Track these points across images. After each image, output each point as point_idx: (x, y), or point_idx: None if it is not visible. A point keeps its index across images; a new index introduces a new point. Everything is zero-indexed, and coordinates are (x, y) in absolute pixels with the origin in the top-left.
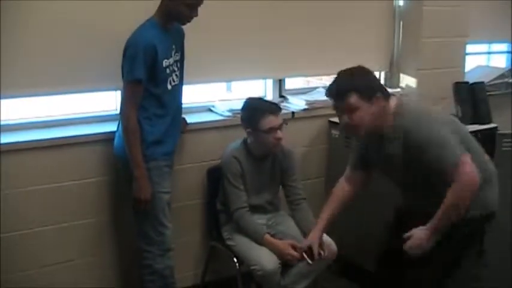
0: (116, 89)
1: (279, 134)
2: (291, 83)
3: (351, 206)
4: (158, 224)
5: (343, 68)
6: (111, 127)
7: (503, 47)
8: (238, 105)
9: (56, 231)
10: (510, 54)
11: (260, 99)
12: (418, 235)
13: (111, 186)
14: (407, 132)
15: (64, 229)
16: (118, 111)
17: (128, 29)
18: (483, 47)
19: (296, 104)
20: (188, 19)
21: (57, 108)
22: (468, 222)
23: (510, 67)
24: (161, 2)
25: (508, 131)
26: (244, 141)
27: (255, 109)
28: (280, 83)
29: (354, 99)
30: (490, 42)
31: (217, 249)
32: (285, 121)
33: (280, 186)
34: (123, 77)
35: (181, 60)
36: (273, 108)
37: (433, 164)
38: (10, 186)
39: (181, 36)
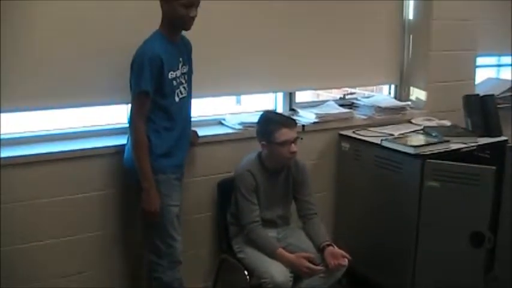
0: (127, 103)
1: (294, 147)
2: (301, 96)
3: (363, 219)
4: (167, 237)
5: (353, 81)
6: (121, 140)
7: None
8: (249, 118)
9: (66, 244)
10: None
11: (276, 113)
12: None
13: (121, 199)
14: None
15: (74, 241)
16: (127, 124)
17: (136, 42)
18: (493, 60)
19: (306, 117)
20: (189, 20)
21: (67, 121)
22: None
23: None
24: (162, 12)
25: None
26: (259, 155)
27: (270, 122)
28: (290, 96)
29: None
30: (499, 55)
31: (227, 261)
32: (300, 135)
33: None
34: (131, 89)
35: (189, 73)
36: (288, 121)
37: None
38: (18, 199)
39: (188, 49)
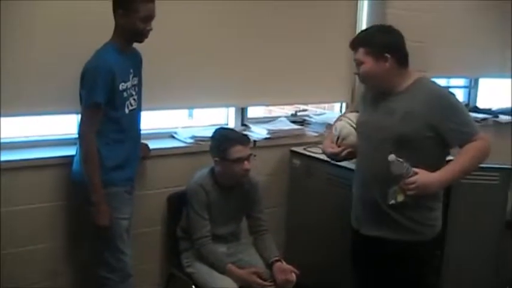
0: (77, 113)
1: (247, 165)
2: (253, 112)
3: (314, 235)
4: (117, 251)
5: (305, 98)
6: (72, 151)
7: (461, 82)
8: (201, 132)
9: (15, 256)
10: (467, 89)
11: (230, 129)
12: (428, 175)
13: (71, 211)
14: (436, 92)
15: (23, 253)
16: (76, 135)
17: (87, 52)
18: (443, 81)
19: (258, 132)
20: (145, 34)
21: (15, 130)
22: (424, 243)
23: (467, 101)
24: (116, 24)
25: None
26: (212, 170)
27: (224, 138)
28: (242, 111)
29: (362, 52)
30: (450, 77)
31: (176, 276)
32: (253, 153)
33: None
34: (81, 101)
35: (139, 85)
36: (242, 138)
37: (458, 125)
38: None
39: (139, 61)
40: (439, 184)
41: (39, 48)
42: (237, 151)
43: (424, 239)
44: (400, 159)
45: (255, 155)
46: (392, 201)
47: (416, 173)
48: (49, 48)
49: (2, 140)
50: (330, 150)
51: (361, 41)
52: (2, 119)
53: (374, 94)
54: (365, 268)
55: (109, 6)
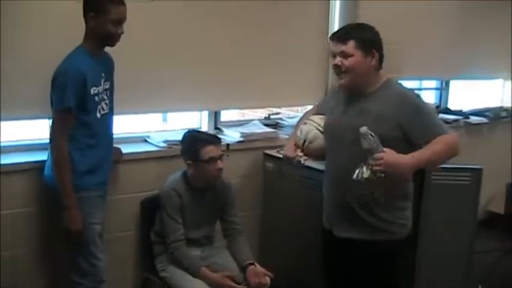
0: (49, 117)
1: (220, 164)
2: (226, 116)
3: (288, 237)
4: (90, 256)
5: (278, 101)
6: (44, 156)
7: (433, 83)
8: (174, 136)
9: None
10: (439, 91)
11: (199, 131)
12: (396, 155)
13: (41, 217)
14: (405, 94)
15: None
16: (48, 141)
17: (57, 58)
18: (415, 83)
19: (231, 136)
20: (116, 37)
21: None
22: (396, 242)
23: (438, 103)
24: (87, 27)
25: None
26: (184, 174)
27: (194, 140)
28: (215, 115)
29: (353, 45)
30: (421, 79)
31: (150, 281)
32: (226, 152)
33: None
34: (52, 106)
35: (111, 90)
36: (213, 138)
37: (425, 125)
38: None
39: (110, 65)
40: (408, 167)
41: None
42: (209, 151)
43: (395, 238)
44: (372, 134)
45: (228, 155)
46: (357, 178)
47: (384, 151)
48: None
49: None
50: (288, 154)
51: (352, 33)
52: None
53: (344, 95)
54: (337, 268)
55: None
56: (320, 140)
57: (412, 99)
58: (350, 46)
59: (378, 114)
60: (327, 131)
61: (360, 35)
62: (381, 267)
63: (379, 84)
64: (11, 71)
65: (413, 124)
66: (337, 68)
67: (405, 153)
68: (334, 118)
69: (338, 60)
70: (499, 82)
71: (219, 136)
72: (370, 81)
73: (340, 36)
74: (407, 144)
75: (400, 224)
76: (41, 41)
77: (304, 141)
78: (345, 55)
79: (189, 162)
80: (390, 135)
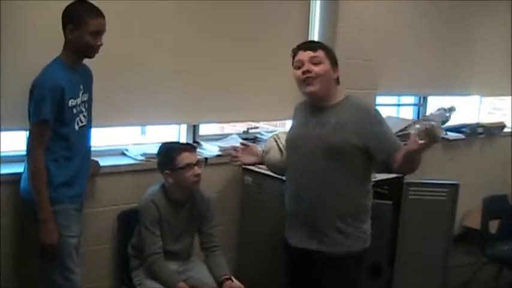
0: (26, 129)
1: (197, 170)
2: (205, 129)
3: (266, 252)
4: (65, 270)
5: (257, 115)
6: (20, 168)
7: (411, 99)
8: (152, 149)
9: None
10: (417, 107)
11: (173, 142)
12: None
13: (16, 231)
14: (366, 107)
15: None
16: (25, 152)
17: (35, 69)
18: (393, 99)
19: (210, 150)
20: (95, 49)
21: None
22: (351, 255)
23: (416, 119)
24: (65, 39)
25: (415, 180)
26: (163, 186)
27: (169, 149)
28: (194, 128)
29: (323, 54)
30: (399, 94)
31: None
32: (202, 160)
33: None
34: (29, 117)
35: (89, 102)
36: (187, 146)
37: (382, 139)
38: None
39: (89, 77)
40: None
41: None
42: (185, 157)
43: (352, 250)
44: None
45: (206, 159)
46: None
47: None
48: None
49: None
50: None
51: (320, 44)
52: None
53: (307, 109)
54: (299, 280)
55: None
56: (273, 153)
57: (373, 112)
58: (320, 54)
59: (336, 123)
60: (288, 143)
61: (327, 48)
62: (336, 279)
63: (340, 98)
64: None
65: (374, 136)
66: (306, 74)
67: (361, 163)
68: (294, 132)
69: (308, 66)
70: (475, 98)
71: (198, 150)
72: (332, 94)
73: (311, 45)
74: (364, 155)
75: (358, 238)
76: (18, 51)
77: (263, 151)
78: (315, 62)
79: (167, 171)
80: (349, 143)
